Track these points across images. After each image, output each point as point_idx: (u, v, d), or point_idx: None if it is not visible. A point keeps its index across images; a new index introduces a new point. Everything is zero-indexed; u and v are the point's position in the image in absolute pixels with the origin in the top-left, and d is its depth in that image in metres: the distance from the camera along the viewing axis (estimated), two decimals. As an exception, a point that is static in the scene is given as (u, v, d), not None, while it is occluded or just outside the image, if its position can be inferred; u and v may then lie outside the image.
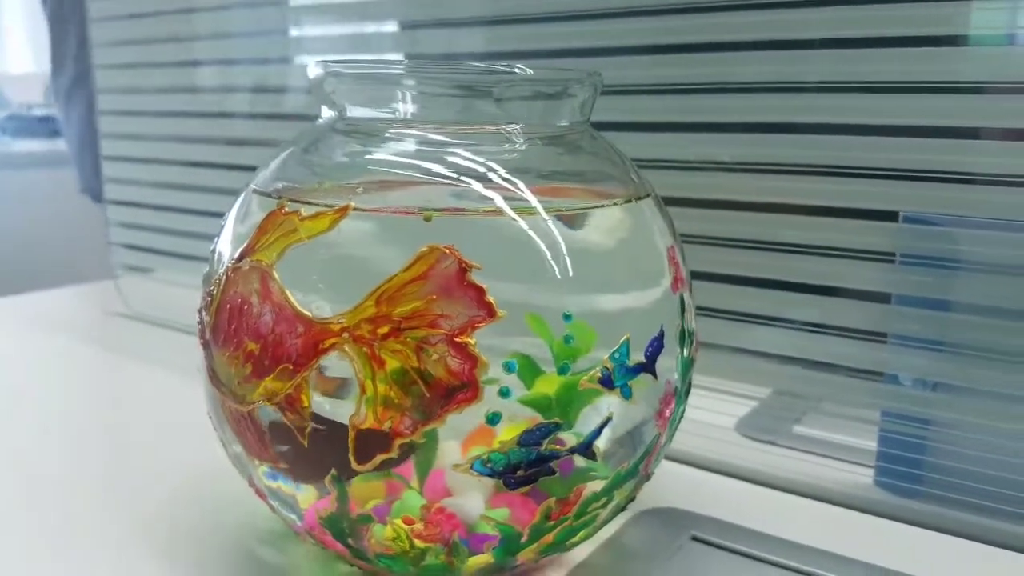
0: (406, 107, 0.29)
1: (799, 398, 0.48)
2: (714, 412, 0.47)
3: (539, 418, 0.27)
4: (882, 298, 0.40)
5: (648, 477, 0.32)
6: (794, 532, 0.36)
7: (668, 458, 0.44)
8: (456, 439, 0.29)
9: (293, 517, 0.31)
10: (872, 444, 0.41)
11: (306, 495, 0.29)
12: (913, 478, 0.40)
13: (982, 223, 0.37)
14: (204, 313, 0.30)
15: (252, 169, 0.33)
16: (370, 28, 0.57)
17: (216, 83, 0.65)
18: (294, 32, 0.62)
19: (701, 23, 0.42)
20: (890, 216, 0.39)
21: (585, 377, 0.27)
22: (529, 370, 0.27)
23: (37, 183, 1.73)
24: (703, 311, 0.44)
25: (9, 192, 1.79)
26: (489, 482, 0.28)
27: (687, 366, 0.31)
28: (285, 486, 0.30)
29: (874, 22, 0.38)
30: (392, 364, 0.26)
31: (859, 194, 0.39)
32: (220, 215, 0.32)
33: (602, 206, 0.31)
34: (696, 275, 0.43)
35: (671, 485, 0.41)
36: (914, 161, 0.38)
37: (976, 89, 0.38)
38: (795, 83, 0.40)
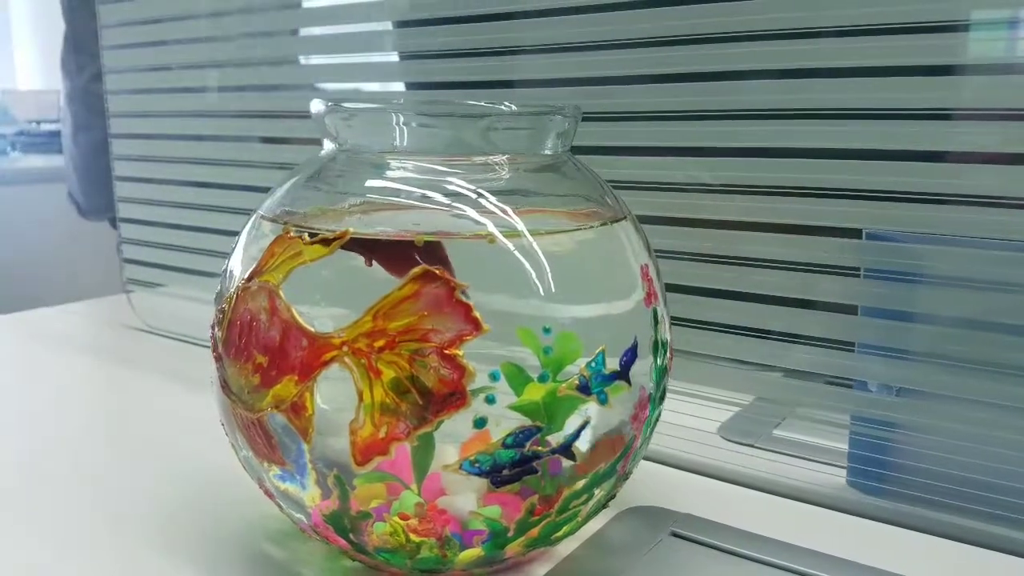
0: (402, 140, 0.32)
1: (777, 404, 0.51)
2: (698, 417, 0.49)
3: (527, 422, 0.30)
4: (849, 310, 0.42)
5: (626, 476, 0.34)
6: (770, 529, 0.38)
7: (652, 460, 0.47)
8: (454, 444, 0.31)
9: (300, 516, 0.33)
10: (844, 446, 0.44)
11: (312, 495, 0.32)
12: (881, 478, 0.42)
13: (940, 239, 0.39)
14: (216, 328, 0.33)
15: (258, 189, 0.35)
16: (375, 58, 0.60)
17: (225, 107, 0.68)
18: (303, 60, 0.65)
19: (682, 55, 0.44)
20: (854, 233, 0.41)
21: (564, 384, 0.30)
22: (517, 379, 0.30)
23: (46, 198, 1.76)
24: (687, 323, 0.46)
25: (19, 207, 1.83)
26: (482, 483, 0.30)
27: (661, 373, 0.34)
28: (292, 487, 0.32)
29: (859, 55, 0.40)
30: (388, 374, 0.28)
31: (826, 213, 0.42)
32: (226, 233, 0.35)
33: (580, 228, 0.34)
34: (678, 288, 0.46)
35: (655, 485, 0.43)
36: (876, 183, 0.40)
37: (942, 116, 0.40)
38: (768, 111, 0.43)
